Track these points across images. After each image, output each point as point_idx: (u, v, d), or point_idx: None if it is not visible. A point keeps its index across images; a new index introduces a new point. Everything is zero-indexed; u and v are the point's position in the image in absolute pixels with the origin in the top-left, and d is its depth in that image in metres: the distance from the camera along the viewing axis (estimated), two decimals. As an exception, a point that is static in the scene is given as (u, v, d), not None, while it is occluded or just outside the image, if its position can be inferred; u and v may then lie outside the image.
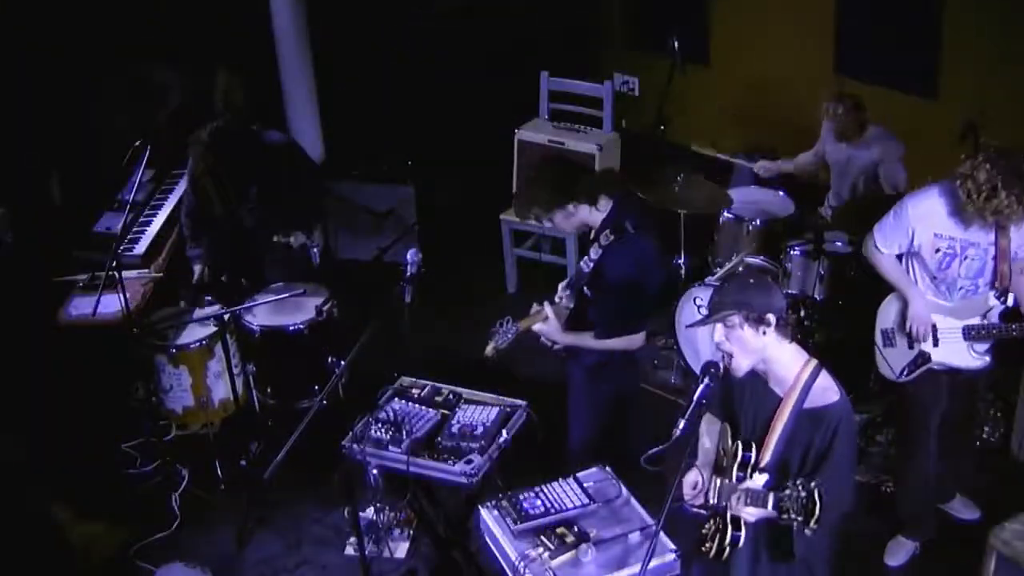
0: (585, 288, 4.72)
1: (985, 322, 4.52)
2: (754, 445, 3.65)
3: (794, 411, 3.56)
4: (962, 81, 6.65)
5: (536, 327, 4.76)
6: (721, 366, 3.66)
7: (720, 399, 3.82)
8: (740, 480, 3.64)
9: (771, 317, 3.53)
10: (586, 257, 4.70)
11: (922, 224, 4.46)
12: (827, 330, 5.94)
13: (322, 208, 6.15)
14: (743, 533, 3.64)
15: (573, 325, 4.75)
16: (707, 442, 3.87)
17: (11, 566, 4.76)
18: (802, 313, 5.89)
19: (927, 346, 4.61)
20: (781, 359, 3.59)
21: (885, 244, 4.58)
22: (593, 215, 4.61)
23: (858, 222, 5.58)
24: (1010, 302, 4.48)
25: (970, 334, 4.53)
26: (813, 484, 3.32)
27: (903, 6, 6.86)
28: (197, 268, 5.83)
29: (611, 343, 4.65)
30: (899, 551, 4.98)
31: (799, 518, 3.32)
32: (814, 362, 3.62)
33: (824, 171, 6.31)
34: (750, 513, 3.56)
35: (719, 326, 3.58)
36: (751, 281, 3.60)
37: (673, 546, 4.12)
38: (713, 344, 3.68)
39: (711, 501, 3.78)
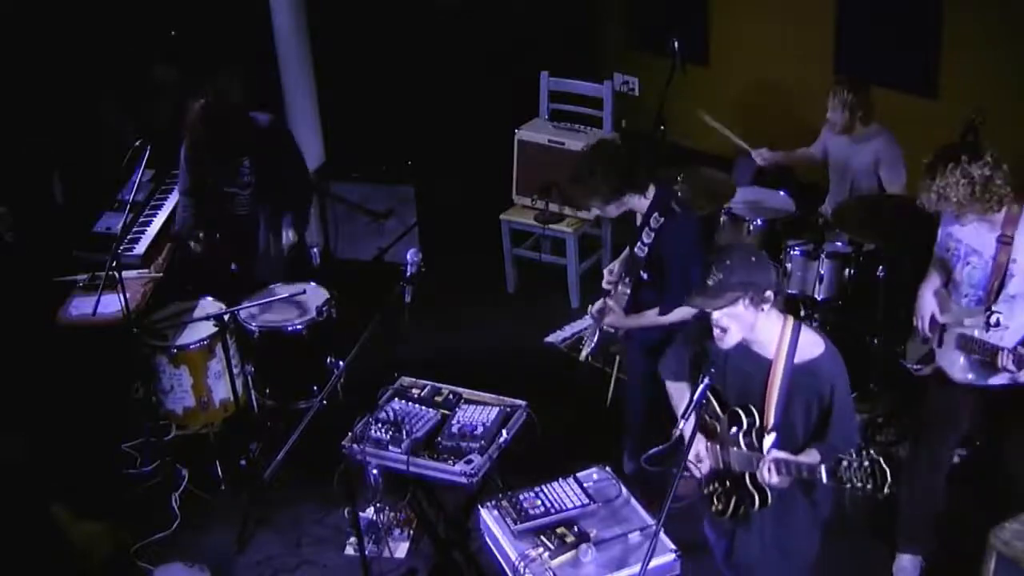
0: (643, 272, 4.83)
1: (976, 335, 4.41)
2: (753, 409, 3.67)
3: (786, 369, 3.62)
4: (962, 81, 6.65)
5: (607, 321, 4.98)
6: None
7: (681, 363, 3.90)
8: (751, 448, 3.67)
9: (770, 294, 3.58)
10: (639, 243, 4.80)
11: (944, 221, 4.48)
12: (827, 330, 5.94)
13: (309, 195, 6.11)
14: (770, 495, 3.70)
15: (632, 309, 4.94)
16: (682, 406, 3.92)
17: (11, 566, 4.76)
18: (802, 313, 5.89)
19: (934, 343, 4.58)
20: (766, 326, 3.65)
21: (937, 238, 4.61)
22: (641, 202, 4.78)
23: (858, 222, 5.59)
24: (992, 321, 4.33)
25: (960, 343, 4.46)
26: (875, 452, 3.36)
27: (903, 6, 6.85)
28: (191, 243, 5.84)
29: (675, 315, 4.74)
30: (907, 568, 4.87)
31: (867, 486, 3.34)
32: (791, 319, 3.68)
33: (823, 169, 6.30)
34: (784, 481, 3.62)
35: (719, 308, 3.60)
36: (752, 259, 3.62)
37: (673, 546, 4.13)
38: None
39: (711, 465, 3.84)
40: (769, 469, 3.61)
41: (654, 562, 3.83)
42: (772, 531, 3.86)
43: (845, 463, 3.38)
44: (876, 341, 5.84)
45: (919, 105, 6.80)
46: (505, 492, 4.45)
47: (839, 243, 5.80)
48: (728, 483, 3.82)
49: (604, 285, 5.04)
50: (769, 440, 3.65)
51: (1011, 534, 4.20)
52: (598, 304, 5.04)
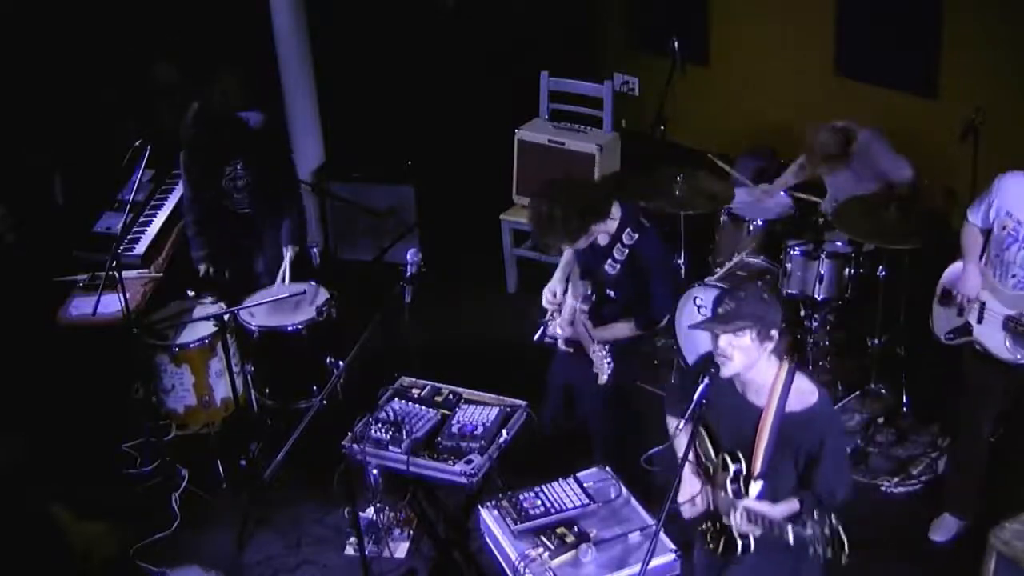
0: (609, 291, 4.76)
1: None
2: (742, 457, 3.69)
3: (776, 418, 3.62)
4: (962, 81, 6.65)
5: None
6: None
7: (682, 400, 3.83)
8: (737, 494, 3.69)
9: (775, 333, 3.62)
10: (608, 261, 4.71)
11: (1001, 198, 4.51)
12: (827, 330, 5.95)
13: (299, 198, 6.13)
14: (752, 542, 3.70)
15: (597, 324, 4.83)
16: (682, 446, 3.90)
17: (11, 566, 4.76)
18: (802, 313, 5.89)
19: (972, 318, 4.65)
20: (762, 367, 3.67)
21: (972, 212, 4.65)
22: (609, 224, 4.69)
23: (858, 222, 5.59)
24: None
25: (1008, 324, 4.54)
26: (835, 522, 3.41)
27: (903, 6, 6.85)
28: (201, 268, 5.83)
29: (626, 325, 4.76)
30: (944, 527, 5.02)
31: (826, 551, 3.41)
32: (787, 364, 3.69)
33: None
34: (756, 531, 3.64)
35: (728, 333, 3.61)
36: (764, 297, 3.67)
37: (673, 546, 4.13)
38: (713, 344, 3.69)
39: (704, 507, 3.84)
40: (741, 516, 3.64)
41: (654, 562, 3.83)
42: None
43: (809, 531, 3.43)
44: (876, 341, 5.84)
45: (919, 105, 6.81)
46: (505, 492, 4.45)
47: (839, 243, 5.80)
48: (719, 525, 3.82)
49: (545, 305, 4.93)
50: (756, 488, 3.66)
51: (1011, 534, 4.20)
52: (564, 320, 4.85)
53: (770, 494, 3.67)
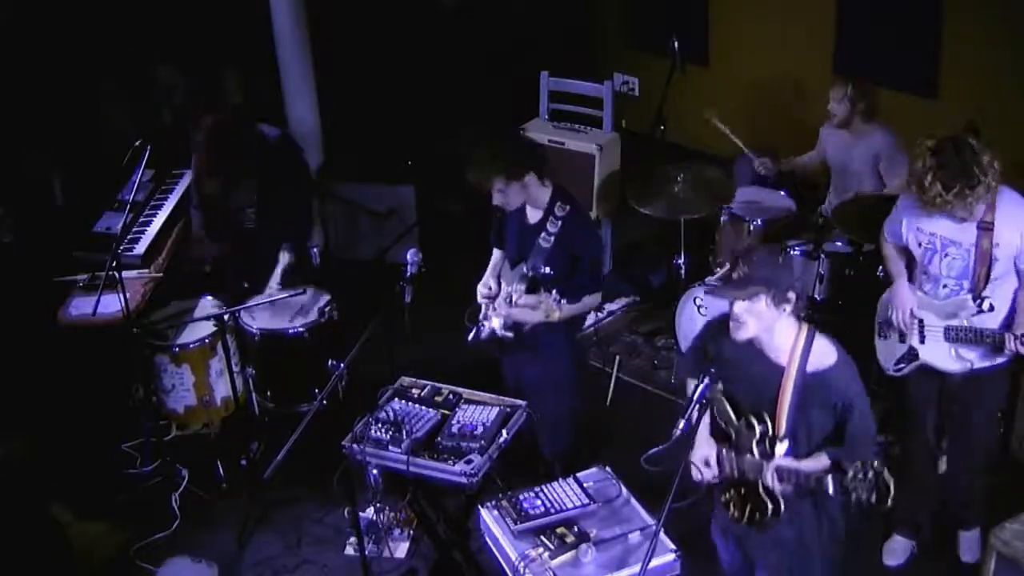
0: (545, 267, 4.78)
1: (964, 324, 4.45)
2: (767, 417, 3.70)
3: (798, 377, 3.64)
4: (962, 81, 6.65)
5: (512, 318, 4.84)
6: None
7: (699, 362, 3.87)
8: (764, 455, 3.70)
9: (792, 295, 3.62)
10: (543, 234, 4.76)
11: (908, 216, 4.49)
12: (827, 330, 5.93)
13: (312, 209, 6.13)
14: (782, 503, 3.71)
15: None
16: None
17: (11, 567, 4.76)
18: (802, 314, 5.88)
19: (915, 342, 4.59)
20: (781, 329, 3.68)
21: (888, 233, 4.66)
22: (541, 191, 4.78)
23: (858, 222, 5.59)
24: (986, 307, 4.39)
25: (950, 335, 4.48)
26: (877, 464, 3.41)
27: (903, 6, 6.86)
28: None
29: (588, 302, 4.82)
30: (898, 551, 4.97)
31: (871, 497, 3.40)
32: (807, 326, 3.71)
33: (824, 173, 6.29)
34: (788, 489, 3.66)
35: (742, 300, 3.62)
36: (778, 259, 3.72)
37: (673, 546, 4.13)
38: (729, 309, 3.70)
39: (727, 472, 3.84)
40: (773, 475, 3.65)
41: (654, 562, 3.83)
42: (787, 538, 3.86)
43: (851, 474, 3.42)
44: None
45: (919, 105, 6.81)
46: (505, 492, 4.45)
47: (839, 243, 5.80)
48: (744, 490, 3.83)
49: (480, 299, 4.96)
50: (782, 448, 3.68)
51: (1011, 534, 4.20)
52: (502, 303, 4.85)
53: (796, 452, 3.69)
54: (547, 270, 4.78)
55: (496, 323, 4.85)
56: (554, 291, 4.62)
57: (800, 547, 3.87)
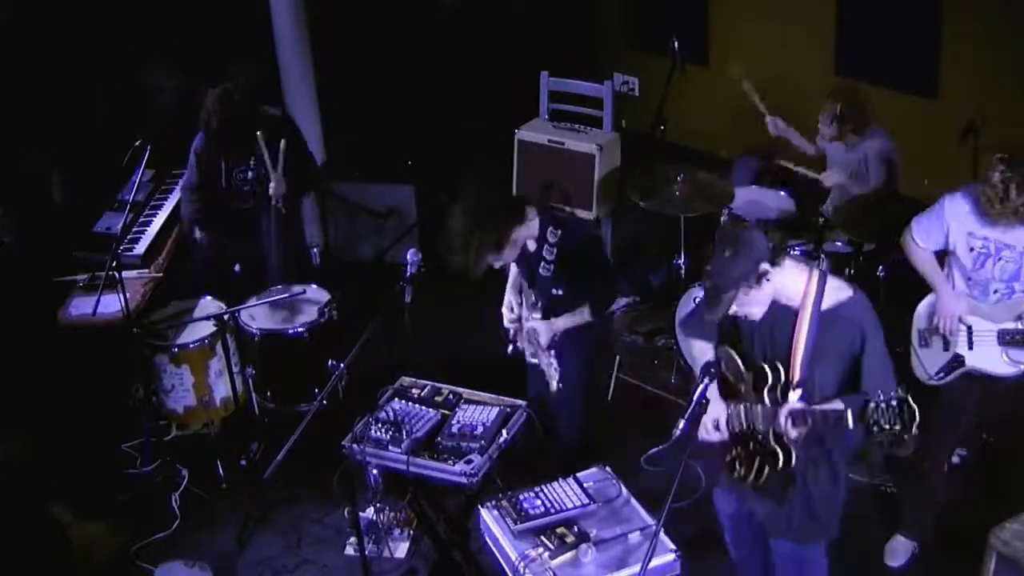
0: (554, 290, 4.77)
1: (1020, 327, 4.44)
2: (779, 365, 3.62)
3: (813, 317, 3.55)
4: (962, 81, 6.65)
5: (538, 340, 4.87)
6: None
7: (719, 327, 3.81)
8: (776, 403, 3.61)
9: (765, 266, 3.52)
10: (542, 264, 4.72)
11: (957, 222, 4.44)
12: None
13: (317, 179, 6.09)
14: (795, 453, 3.63)
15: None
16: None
17: (12, 567, 4.76)
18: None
19: (962, 348, 4.55)
20: (787, 282, 3.59)
21: (922, 239, 4.58)
22: (530, 228, 4.65)
23: (858, 222, 5.59)
24: None
25: (1004, 338, 4.46)
26: (902, 391, 3.31)
27: (903, 6, 6.86)
28: (197, 232, 5.79)
29: (579, 315, 4.78)
30: (900, 551, 4.96)
31: (896, 427, 3.27)
32: (816, 270, 3.62)
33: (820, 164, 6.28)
34: (803, 433, 3.55)
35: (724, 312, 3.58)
36: (727, 253, 3.54)
37: (673, 546, 4.13)
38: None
39: (736, 429, 3.78)
40: (787, 419, 3.55)
41: (654, 562, 3.83)
42: (794, 494, 3.78)
43: (872, 404, 3.29)
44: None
45: (919, 105, 6.81)
46: (505, 492, 4.45)
47: (839, 243, 5.80)
48: (751, 445, 3.75)
49: (507, 324, 4.97)
50: (795, 396, 3.58)
51: (1011, 534, 4.20)
52: (526, 339, 4.90)
53: (810, 400, 3.60)
54: (557, 292, 4.77)
55: (524, 349, 4.91)
56: (552, 356, 4.72)
57: (802, 493, 3.78)
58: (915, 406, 3.24)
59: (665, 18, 7.98)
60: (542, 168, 6.81)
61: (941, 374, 4.62)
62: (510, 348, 4.99)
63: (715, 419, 3.80)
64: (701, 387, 3.67)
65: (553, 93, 7.11)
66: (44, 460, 5.46)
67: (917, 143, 6.06)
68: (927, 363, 4.69)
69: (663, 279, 6.86)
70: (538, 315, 4.81)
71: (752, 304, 3.57)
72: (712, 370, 3.69)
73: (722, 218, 6.19)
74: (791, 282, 3.59)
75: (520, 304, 4.96)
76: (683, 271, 6.27)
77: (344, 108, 7.73)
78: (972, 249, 4.44)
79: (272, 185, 5.62)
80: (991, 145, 5.93)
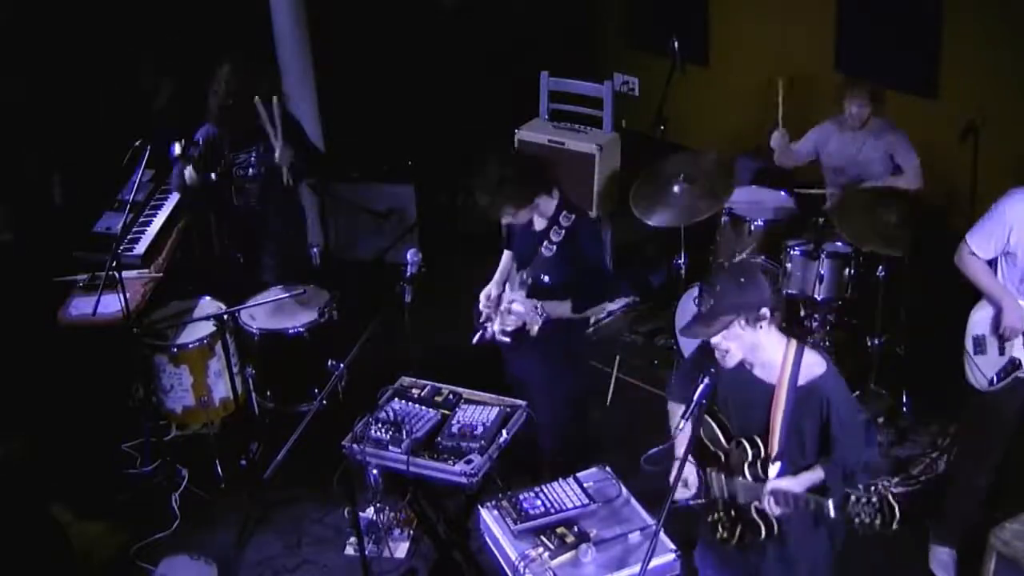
0: (544, 276, 4.79)
1: None
2: (758, 439, 3.67)
3: (789, 393, 3.60)
4: (962, 81, 6.65)
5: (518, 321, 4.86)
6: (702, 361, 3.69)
7: (686, 387, 3.83)
8: (756, 478, 3.67)
9: (766, 311, 3.57)
10: (545, 244, 4.76)
11: (1020, 222, 4.38)
12: (827, 330, 5.94)
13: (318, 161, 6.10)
14: (776, 526, 3.68)
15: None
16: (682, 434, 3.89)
17: (12, 567, 4.76)
18: (802, 313, 5.89)
19: (1018, 351, 4.52)
20: (768, 345, 3.64)
21: (980, 247, 4.49)
22: (549, 204, 4.77)
23: (858, 222, 5.59)
24: None
25: None
26: (882, 487, 3.36)
27: (903, 6, 6.85)
28: (188, 170, 5.61)
29: (590, 312, 4.89)
30: (948, 562, 4.87)
31: (875, 522, 3.34)
32: (794, 341, 3.67)
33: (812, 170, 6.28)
34: (787, 512, 3.61)
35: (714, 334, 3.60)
36: (741, 280, 3.60)
37: (673, 546, 4.12)
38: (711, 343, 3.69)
39: (715, 495, 3.82)
40: (769, 500, 3.61)
41: (654, 562, 3.82)
42: (780, 552, 3.83)
43: (853, 498, 3.37)
44: (876, 341, 5.83)
45: (919, 105, 6.80)
46: (505, 492, 4.45)
47: (839, 243, 5.80)
48: (733, 512, 3.81)
49: (482, 307, 4.98)
50: (774, 469, 3.65)
51: (1011, 534, 4.20)
52: (504, 315, 4.88)
53: (789, 472, 3.65)
54: (546, 279, 4.80)
55: (496, 327, 4.86)
56: (538, 306, 4.71)
57: (794, 558, 3.82)
58: (895, 504, 3.31)
59: (665, 18, 7.98)
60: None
61: (999, 377, 4.57)
62: (476, 336, 4.96)
63: (685, 479, 3.83)
64: (701, 387, 3.68)
65: (553, 93, 7.11)
66: (44, 460, 5.46)
67: (917, 143, 6.06)
68: (985, 369, 4.62)
69: (663, 279, 6.86)
70: (523, 292, 4.82)
71: (733, 343, 3.59)
72: (712, 370, 3.70)
73: (723, 218, 6.19)
74: (770, 345, 3.64)
75: (501, 289, 4.98)
76: (683, 271, 6.27)
77: (344, 108, 7.73)
78: None
79: (276, 154, 5.57)
80: (991, 145, 5.97)
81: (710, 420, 3.83)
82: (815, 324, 5.89)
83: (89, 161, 6.49)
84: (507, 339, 4.86)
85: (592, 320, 6.37)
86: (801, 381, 3.61)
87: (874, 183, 5.89)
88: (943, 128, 6.31)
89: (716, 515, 3.89)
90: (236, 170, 5.70)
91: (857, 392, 5.85)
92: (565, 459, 4.97)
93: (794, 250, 5.81)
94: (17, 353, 5.58)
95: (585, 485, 4.42)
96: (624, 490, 4.44)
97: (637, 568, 3.69)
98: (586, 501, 4.33)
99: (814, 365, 3.64)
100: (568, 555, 4.11)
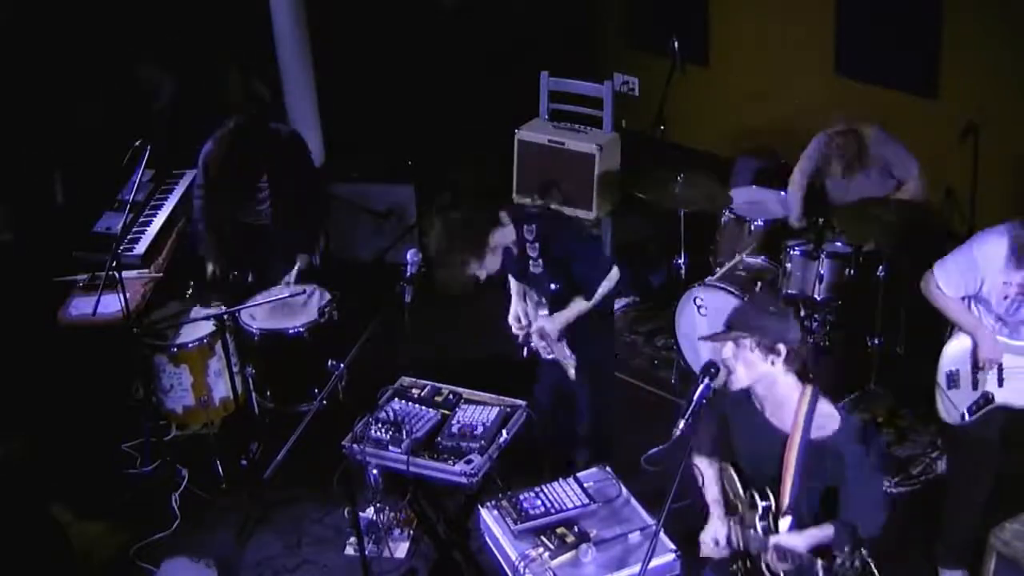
0: (551, 285, 4.81)
1: None
2: (769, 491, 3.66)
3: (802, 446, 3.57)
4: (962, 81, 6.65)
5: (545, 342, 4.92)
6: (714, 381, 3.67)
7: (714, 439, 3.85)
8: (766, 531, 3.67)
9: (782, 347, 3.55)
10: (531, 263, 4.77)
11: (991, 268, 4.29)
12: (827, 330, 5.95)
13: (326, 207, 6.12)
14: None
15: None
16: (713, 488, 3.90)
17: (12, 567, 4.76)
18: (802, 313, 5.89)
19: (991, 386, 4.47)
20: (782, 387, 3.61)
21: (950, 287, 4.39)
22: (506, 231, 4.67)
23: (858, 222, 5.59)
24: None
25: None
26: (865, 553, 3.34)
27: (903, 6, 6.85)
28: (210, 266, 5.80)
29: (600, 292, 4.81)
30: None
31: None
32: (810, 388, 3.63)
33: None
34: (790, 568, 3.60)
35: (730, 342, 3.59)
36: (771, 309, 3.61)
37: (673, 546, 4.13)
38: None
39: (735, 546, 3.82)
40: (773, 555, 3.61)
41: (654, 562, 3.83)
42: None
43: (839, 560, 3.35)
44: (876, 341, 5.84)
45: (919, 105, 6.81)
46: (505, 492, 4.45)
47: (839, 243, 5.80)
48: (749, 564, 3.80)
49: (516, 332, 4.99)
50: (785, 523, 3.63)
51: (1011, 534, 4.20)
52: (537, 344, 4.93)
53: (800, 525, 3.64)
54: (553, 287, 4.81)
55: (542, 349, 4.94)
56: (568, 353, 4.80)
57: None
58: (876, 571, 3.31)
59: (665, 18, 7.97)
60: (542, 168, 6.81)
61: (972, 411, 4.50)
62: (524, 352, 5.01)
63: (714, 536, 3.82)
64: (701, 387, 3.67)
65: (553, 93, 7.11)
66: (44, 460, 5.46)
67: (917, 143, 6.06)
68: (958, 403, 4.55)
69: (663, 279, 6.86)
70: (545, 312, 4.86)
71: (741, 365, 3.57)
72: (712, 370, 3.70)
73: (723, 219, 6.19)
74: (783, 385, 3.60)
75: (526, 313, 5.00)
76: (683, 271, 6.27)
77: (344, 108, 7.73)
78: (1006, 297, 4.32)
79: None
80: (991, 145, 5.97)
81: (731, 471, 3.82)
82: (815, 324, 5.89)
83: (89, 161, 6.49)
84: (551, 356, 4.93)
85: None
86: (814, 434, 3.57)
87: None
88: (943, 128, 6.31)
89: (736, 564, 3.86)
90: (247, 195, 5.69)
91: (857, 392, 5.87)
92: (565, 459, 4.99)
93: (794, 250, 5.81)
94: (17, 353, 5.58)
95: (585, 485, 4.42)
96: (624, 490, 4.44)
97: (637, 568, 3.69)
98: (586, 501, 4.33)
99: (829, 418, 3.59)
100: (568, 555, 4.11)
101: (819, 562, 3.47)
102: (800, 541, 3.60)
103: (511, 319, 5.04)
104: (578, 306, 4.80)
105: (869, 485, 3.60)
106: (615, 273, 4.83)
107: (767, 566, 3.68)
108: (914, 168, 5.85)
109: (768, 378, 3.60)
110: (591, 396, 5.01)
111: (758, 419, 3.68)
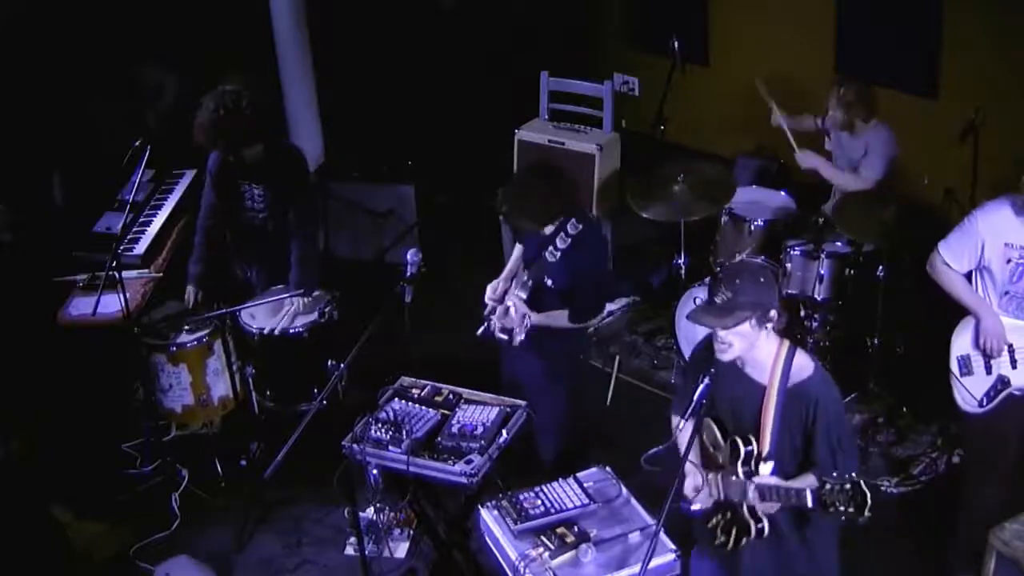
0: (548, 279, 4.82)
1: None
2: (752, 438, 3.69)
3: (780, 393, 3.64)
4: (962, 81, 6.65)
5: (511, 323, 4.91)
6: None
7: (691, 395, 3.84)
8: (749, 475, 3.69)
9: (774, 314, 3.62)
10: (549, 249, 4.78)
11: (992, 235, 4.32)
12: (827, 330, 5.95)
13: (314, 229, 6.10)
14: (766, 523, 3.70)
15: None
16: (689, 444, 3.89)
17: (11, 566, 4.76)
18: (802, 313, 5.89)
19: (1005, 369, 4.45)
20: (761, 344, 3.67)
21: (954, 259, 4.42)
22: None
23: (858, 222, 5.59)
24: None
25: None
26: (855, 475, 3.36)
27: (903, 6, 6.86)
28: (190, 289, 5.67)
29: (584, 323, 4.92)
30: None
31: (849, 509, 3.33)
32: (787, 342, 3.70)
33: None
34: (772, 507, 3.64)
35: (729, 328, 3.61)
36: (761, 280, 3.63)
37: (673, 546, 4.13)
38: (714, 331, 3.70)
39: (714, 497, 3.82)
40: (754, 494, 3.64)
41: (654, 562, 3.83)
42: (774, 566, 3.84)
43: (828, 486, 3.37)
44: (876, 341, 5.84)
45: (919, 105, 6.81)
46: (505, 492, 4.45)
47: (839, 243, 5.80)
48: (729, 514, 3.82)
49: (487, 300, 5.00)
50: (767, 468, 3.67)
51: (1011, 534, 4.20)
52: (501, 311, 4.92)
53: (781, 471, 3.68)
54: (549, 282, 4.84)
55: (496, 325, 4.89)
56: (527, 315, 4.78)
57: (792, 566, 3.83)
58: (867, 491, 3.30)
59: (665, 18, 7.97)
60: (542, 168, 6.80)
61: (989, 397, 4.49)
62: (482, 328, 4.98)
63: (694, 486, 3.86)
64: (701, 387, 3.68)
65: (553, 93, 7.12)
66: (44, 460, 5.46)
67: (917, 143, 6.07)
68: (973, 390, 4.54)
69: (663, 279, 6.86)
70: (524, 294, 4.85)
71: (738, 339, 3.61)
72: (712, 370, 3.70)
73: (723, 218, 6.19)
74: (765, 345, 3.67)
75: (507, 289, 4.99)
76: (683, 271, 6.27)
77: (344, 108, 7.73)
78: (1009, 261, 4.31)
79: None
80: (991, 145, 5.97)
81: (711, 422, 3.84)
82: (815, 324, 5.89)
83: (89, 161, 6.49)
84: (504, 336, 4.88)
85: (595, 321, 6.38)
86: (791, 382, 3.65)
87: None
88: (943, 128, 6.31)
89: (715, 519, 3.89)
90: (244, 200, 5.66)
91: (857, 392, 5.88)
92: (565, 459, 4.98)
93: (794, 250, 5.82)
94: (17, 353, 5.58)
95: (585, 485, 4.42)
96: (624, 490, 4.44)
97: (637, 568, 3.69)
98: (586, 501, 4.33)
99: (804, 367, 3.68)
100: (568, 555, 4.11)
101: (808, 489, 3.48)
102: (783, 483, 3.63)
103: (489, 287, 5.04)
104: (559, 322, 4.85)
105: (841, 424, 3.69)
106: (604, 312, 4.94)
107: (750, 511, 3.70)
108: (877, 176, 5.82)
109: (755, 341, 3.65)
110: (548, 394, 5.01)
111: (736, 372, 3.73)
